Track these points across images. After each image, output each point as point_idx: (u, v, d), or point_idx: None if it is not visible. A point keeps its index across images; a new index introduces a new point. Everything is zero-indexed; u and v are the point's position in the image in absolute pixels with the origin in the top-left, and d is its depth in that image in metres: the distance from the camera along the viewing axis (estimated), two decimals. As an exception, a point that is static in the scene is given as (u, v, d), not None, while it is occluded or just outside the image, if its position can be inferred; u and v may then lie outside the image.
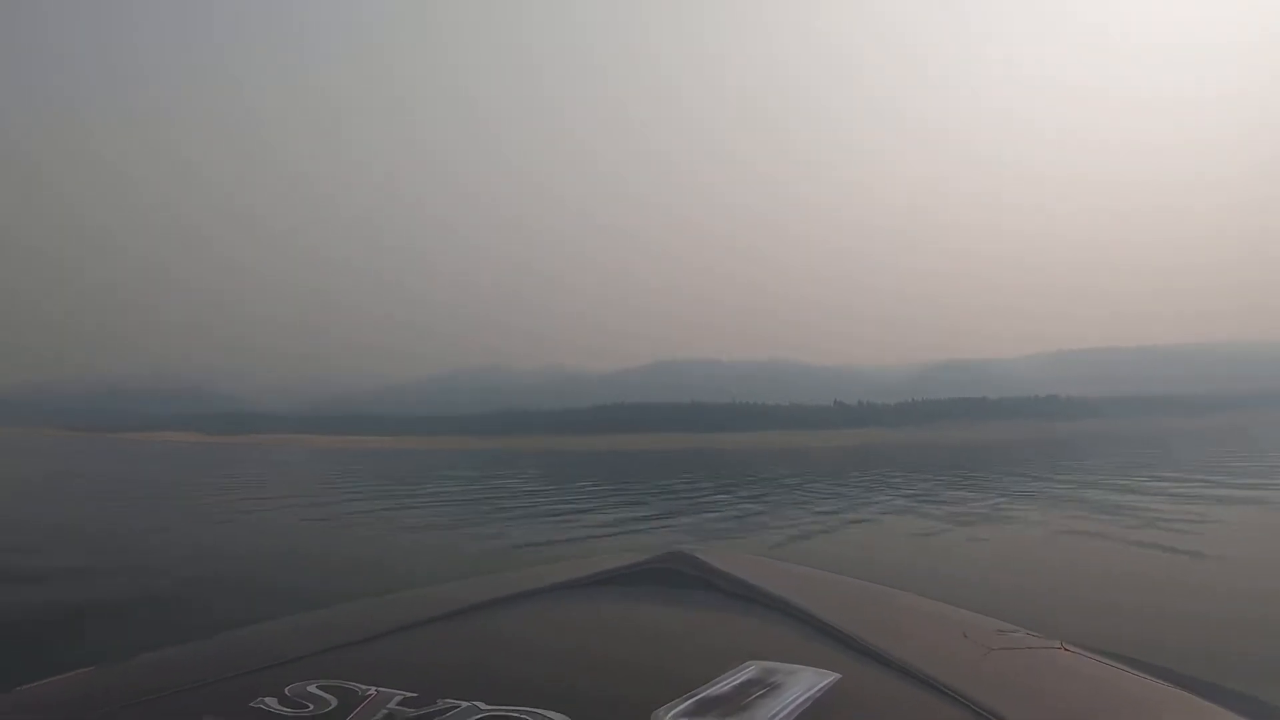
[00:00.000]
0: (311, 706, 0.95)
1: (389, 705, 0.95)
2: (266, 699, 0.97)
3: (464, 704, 0.94)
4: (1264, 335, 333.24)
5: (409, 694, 0.97)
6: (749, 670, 1.06)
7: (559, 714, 0.92)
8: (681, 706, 0.95)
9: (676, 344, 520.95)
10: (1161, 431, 67.19)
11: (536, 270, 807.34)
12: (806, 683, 1.03)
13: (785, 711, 0.95)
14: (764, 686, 1.01)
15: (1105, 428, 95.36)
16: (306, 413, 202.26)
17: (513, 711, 0.92)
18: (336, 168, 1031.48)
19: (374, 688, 0.99)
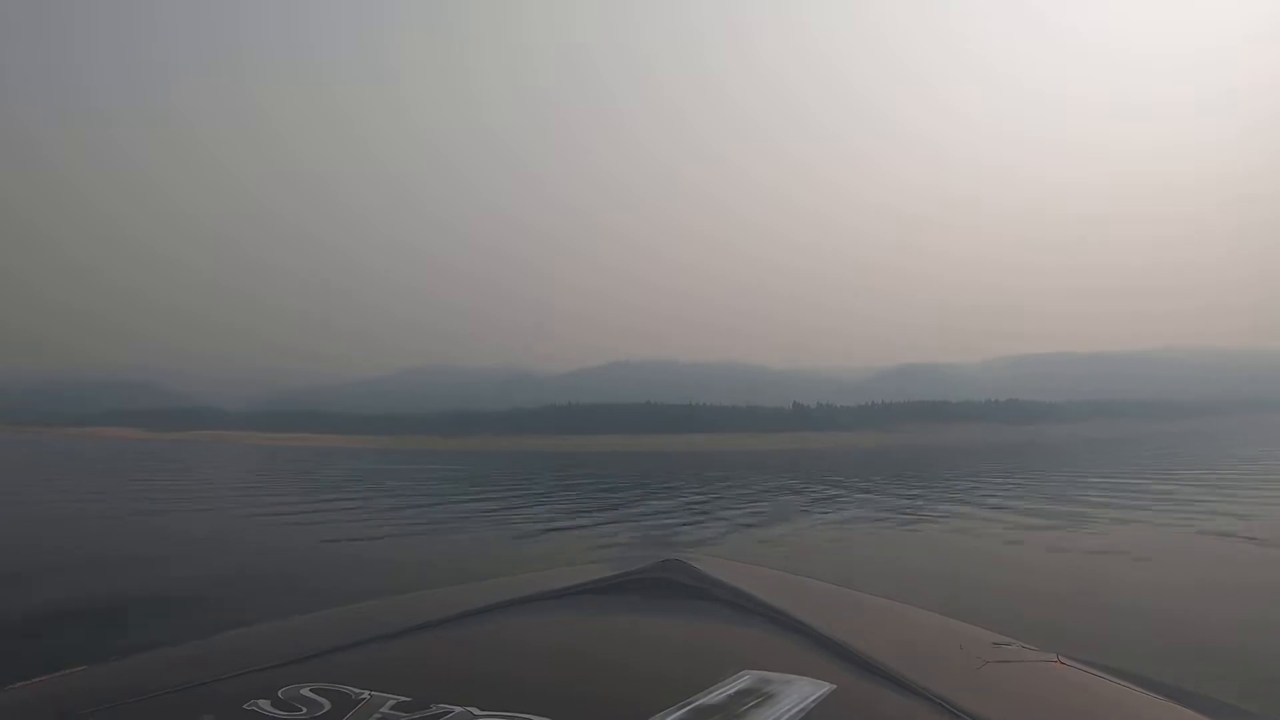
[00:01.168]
0: (305, 709, 0.95)
1: (383, 709, 0.95)
2: (259, 701, 0.97)
3: (458, 709, 0.94)
4: (1221, 342, 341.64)
5: (403, 698, 0.97)
6: (743, 679, 1.06)
7: None
8: (675, 715, 0.95)
9: (633, 344, 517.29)
10: (1118, 437, 68.55)
11: (494, 269, 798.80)
12: (800, 693, 1.02)
13: None
14: (758, 696, 1.01)
15: (1065, 432, 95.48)
16: (257, 409, 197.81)
17: (506, 717, 0.93)
18: (290, 166, 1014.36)
19: (368, 691, 1.00)
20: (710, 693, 1.01)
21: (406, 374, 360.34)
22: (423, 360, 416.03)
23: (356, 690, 1.00)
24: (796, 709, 0.98)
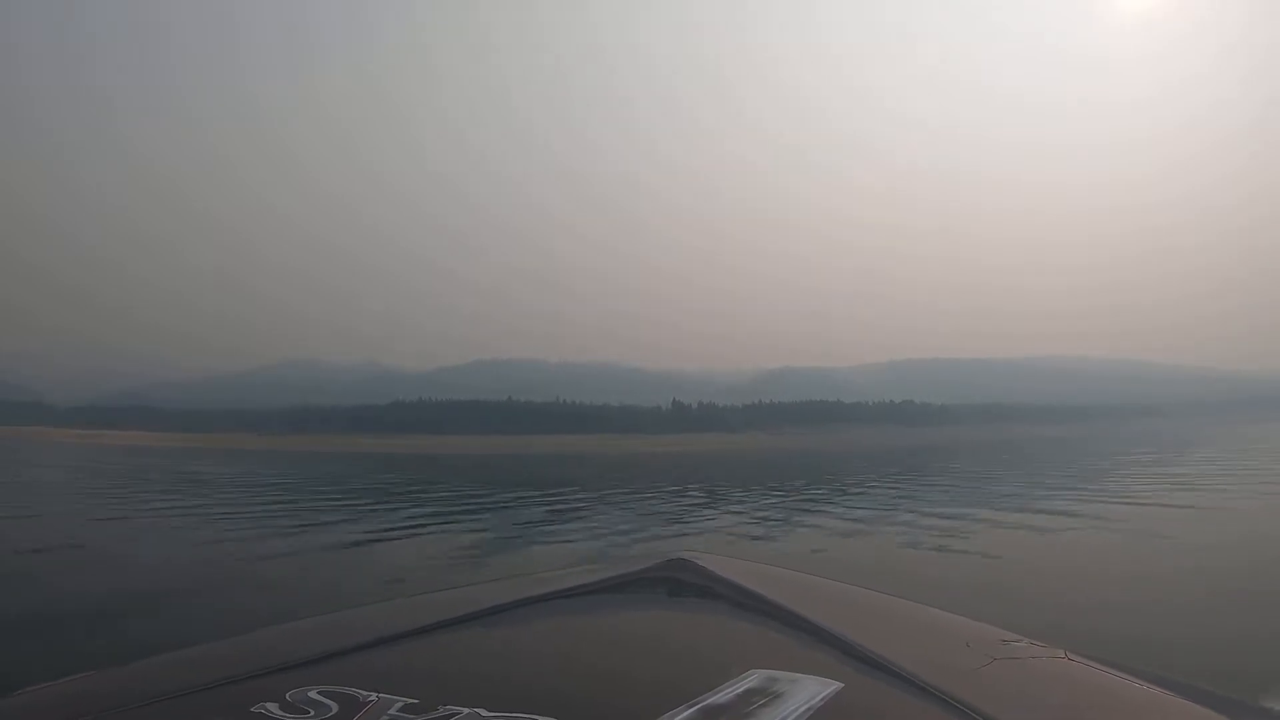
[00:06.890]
0: (312, 712, 0.95)
1: (390, 711, 0.95)
2: (268, 704, 0.97)
3: (465, 710, 0.94)
4: (1094, 351, 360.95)
5: (410, 700, 0.98)
6: (751, 679, 1.06)
7: None
8: (683, 715, 0.95)
9: (498, 343, 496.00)
10: (1006, 439, 68.29)
11: (357, 263, 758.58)
12: (809, 692, 1.02)
13: None
14: (766, 695, 1.01)
15: (957, 435, 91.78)
16: (90, 404, 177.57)
17: (514, 718, 0.93)
18: (169, 147, 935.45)
19: (375, 694, 1.00)
20: (718, 692, 1.01)
21: (264, 370, 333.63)
22: (286, 355, 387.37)
23: (364, 693, 1.00)
24: (804, 708, 0.97)
